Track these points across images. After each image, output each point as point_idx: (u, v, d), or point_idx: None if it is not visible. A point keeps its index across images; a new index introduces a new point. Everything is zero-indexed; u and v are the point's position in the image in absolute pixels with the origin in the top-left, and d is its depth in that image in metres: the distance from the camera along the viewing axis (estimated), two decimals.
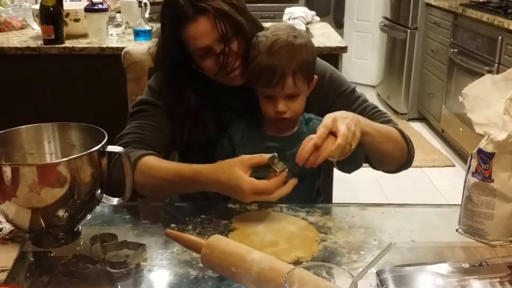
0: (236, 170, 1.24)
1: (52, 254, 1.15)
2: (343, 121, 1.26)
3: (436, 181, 3.85)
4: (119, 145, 1.38)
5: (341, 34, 3.97)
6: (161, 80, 1.53)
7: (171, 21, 1.42)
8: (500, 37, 3.48)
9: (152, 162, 1.37)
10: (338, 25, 5.93)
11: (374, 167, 1.52)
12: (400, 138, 1.46)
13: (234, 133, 1.49)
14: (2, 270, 1.08)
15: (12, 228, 1.21)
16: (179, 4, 1.38)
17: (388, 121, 1.52)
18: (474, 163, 1.19)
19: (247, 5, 1.49)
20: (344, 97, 1.54)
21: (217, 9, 1.37)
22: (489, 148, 1.16)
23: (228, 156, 1.36)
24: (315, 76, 1.45)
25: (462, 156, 4.12)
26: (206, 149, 1.48)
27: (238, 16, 1.41)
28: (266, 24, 1.58)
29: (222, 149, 1.50)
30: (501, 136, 1.14)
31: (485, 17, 3.66)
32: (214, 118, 1.51)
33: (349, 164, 1.35)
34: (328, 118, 1.28)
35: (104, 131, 1.20)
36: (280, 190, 1.23)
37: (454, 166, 4.10)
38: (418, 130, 4.79)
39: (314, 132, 1.31)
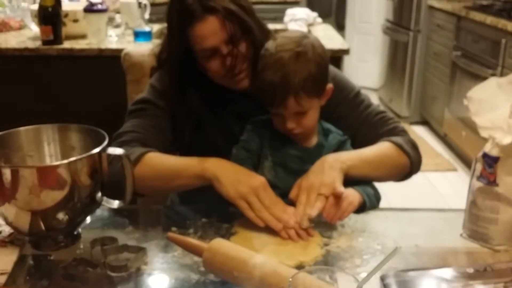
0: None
1: (51, 257, 1.15)
2: (306, 185, 1.27)
3: (439, 186, 3.83)
4: (118, 143, 1.38)
5: (343, 36, 3.96)
6: (164, 80, 1.51)
7: (178, 19, 1.40)
8: (503, 40, 3.47)
9: (159, 155, 1.37)
10: (340, 27, 5.93)
11: None
12: (396, 154, 1.43)
13: (262, 127, 1.44)
14: (2, 273, 1.08)
15: (12, 231, 1.20)
16: (187, 3, 1.36)
17: (392, 129, 1.49)
18: (478, 167, 1.18)
19: None
20: (346, 103, 1.51)
21: (226, 9, 1.35)
22: (494, 152, 1.15)
23: (255, 145, 1.40)
24: (329, 85, 1.40)
25: (465, 161, 4.11)
26: (207, 152, 1.46)
27: (246, 18, 1.39)
28: (268, 26, 1.56)
29: (254, 136, 1.44)
30: (506, 140, 1.13)
31: (489, 20, 3.65)
32: (216, 122, 1.49)
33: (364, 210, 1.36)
34: (294, 188, 1.29)
35: (104, 132, 1.19)
36: (273, 218, 1.21)
37: (456, 170, 4.09)
38: (420, 134, 4.78)
39: (334, 146, 1.41)
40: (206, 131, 1.48)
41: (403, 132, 1.50)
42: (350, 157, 1.37)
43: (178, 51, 1.43)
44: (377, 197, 1.41)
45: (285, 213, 1.22)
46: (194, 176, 1.29)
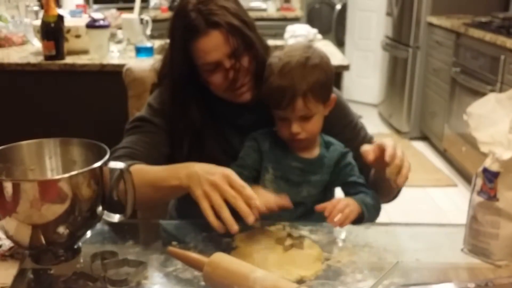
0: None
1: (52, 271, 1.14)
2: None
3: (439, 201, 3.83)
4: (110, 159, 1.37)
5: (342, 52, 3.99)
6: (162, 97, 1.52)
7: (181, 34, 1.41)
8: (502, 57, 3.48)
9: (142, 167, 1.35)
10: (340, 43, 5.96)
11: None
12: None
13: (262, 140, 1.46)
14: (2, 287, 1.07)
15: (12, 244, 1.19)
16: (191, 17, 1.37)
17: None
18: (479, 182, 1.18)
19: None
20: (350, 129, 1.55)
21: (229, 24, 1.37)
22: (494, 167, 1.15)
23: (251, 160, 1.42)
24: (333, 95, 1.43)
25: (465, 176, 4.11)
26: None
27: (249, 32, 1.41)
28: (269, 42, 1.58)
29: (251, 150, 1.45)
30: (506, 155, 1.14)
31: (488, 36, 3.67)
32: (216, 135, 1.50)
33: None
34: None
35: (105, 147, 1.20)
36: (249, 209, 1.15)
37: (456, 186, 4.08)
38: (420, 150, 4.78)
39: (336, 158, 1.43)
40: (205, 144, 1.49)
41: None
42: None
43: (180, 65, 1.44)
44: (376, 208, 1.42)
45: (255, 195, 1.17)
46: (174, 188, 1.26)
